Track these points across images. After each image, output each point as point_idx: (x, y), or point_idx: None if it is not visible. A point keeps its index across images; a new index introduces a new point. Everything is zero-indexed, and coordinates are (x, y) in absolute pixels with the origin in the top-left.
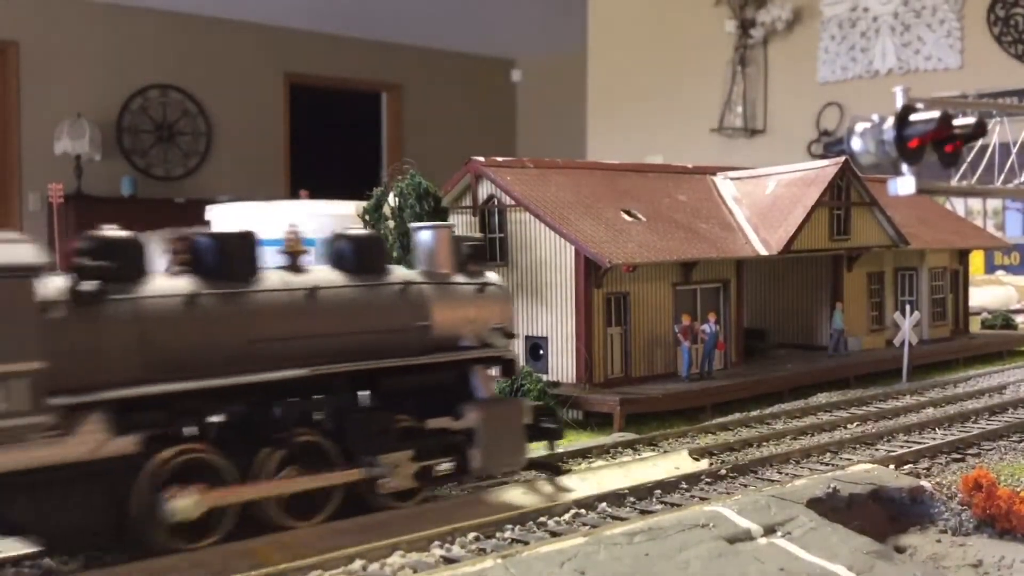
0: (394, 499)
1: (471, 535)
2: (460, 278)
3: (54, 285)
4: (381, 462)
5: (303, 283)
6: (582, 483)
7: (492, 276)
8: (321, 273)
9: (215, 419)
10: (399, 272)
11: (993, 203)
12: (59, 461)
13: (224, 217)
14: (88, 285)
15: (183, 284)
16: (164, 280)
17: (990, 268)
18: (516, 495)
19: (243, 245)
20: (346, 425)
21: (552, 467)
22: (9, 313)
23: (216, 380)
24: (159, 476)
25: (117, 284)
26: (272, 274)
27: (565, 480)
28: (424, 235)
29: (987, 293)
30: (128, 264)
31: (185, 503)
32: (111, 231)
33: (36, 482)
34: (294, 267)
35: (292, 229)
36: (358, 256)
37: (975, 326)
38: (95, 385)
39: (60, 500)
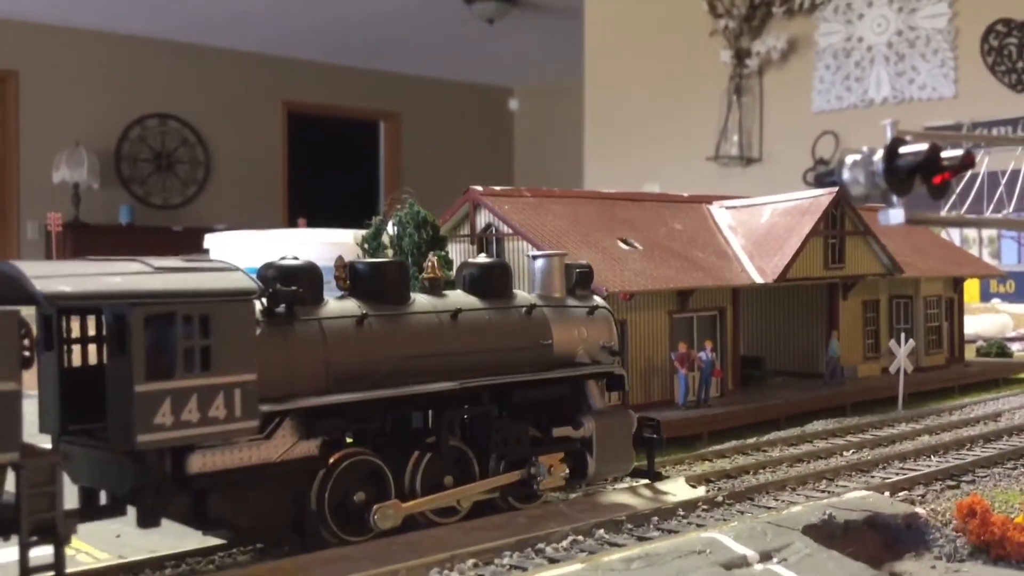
0: (518, 501)
1: (470, 562)
2: (572, 301)
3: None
4: (540, 464)
5: (447, 306)
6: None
7: (599, 299)
8: (459, 297)
9: (374, 426)
10: (522, 296)
11: (989, 231)
12: (258, 462)
13: (222, 245)
14: (282, 307)
15: (352, 306)
16: (336, 303)
17: (986, 296)
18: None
19: (397, 272)
20: (488, 433)
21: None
22: (234, 331)
23: (383, 391)
24: (334, 476)
25: (302, 307)
26: (420, 297)
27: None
28: (540, 262)
29: (983, 321)
30: (310, 289)
31: (388, 514)
32: (294, 260)
33: (235, 481)
34: (435, 291)
35: (433, 257)
36: (487, 281)
37: (970, 354)
38: (290, 395)
39: (252, 497)
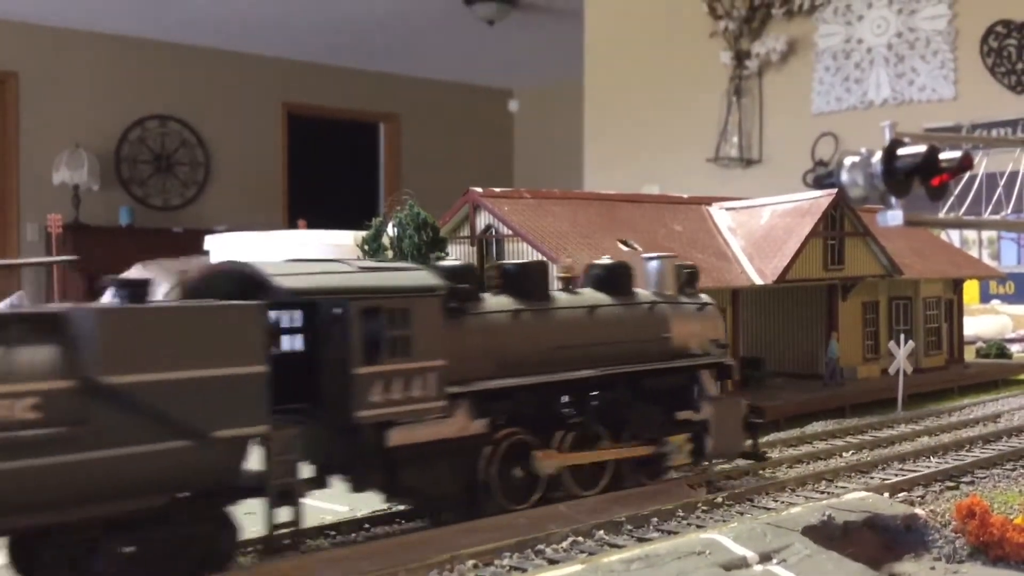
0: (644, 476)
1: (470, 563)
2: (684, 299)
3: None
4: (669, 443)
5: (584, 302)
6: None
7: (706, 297)
8: (592, 294)
9: (528, 408)
10: (642, 293)
11: (988, 232)
12: (441, 437)
13: (223, 247)
14: (456, 303)
15: (507, 302)
16: (493, 299)
17: (985, 297)
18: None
19: (540, 271)
20: (622, 415)
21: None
22: (426, 322)
23: (539, 377)
24: (497, 452)
25: (470, 303)
26: (559, 295)
27: None
28: (653, 263)
29: (982, 322)
30: (476, 287)
31: (549, 462)
32: (457, 261)
33: (423, 453)
34: (570, 289)
35: (568, 259)
36: (612, 280)
37: (970, 355)
38: (466, 379)
39: (435, 469)
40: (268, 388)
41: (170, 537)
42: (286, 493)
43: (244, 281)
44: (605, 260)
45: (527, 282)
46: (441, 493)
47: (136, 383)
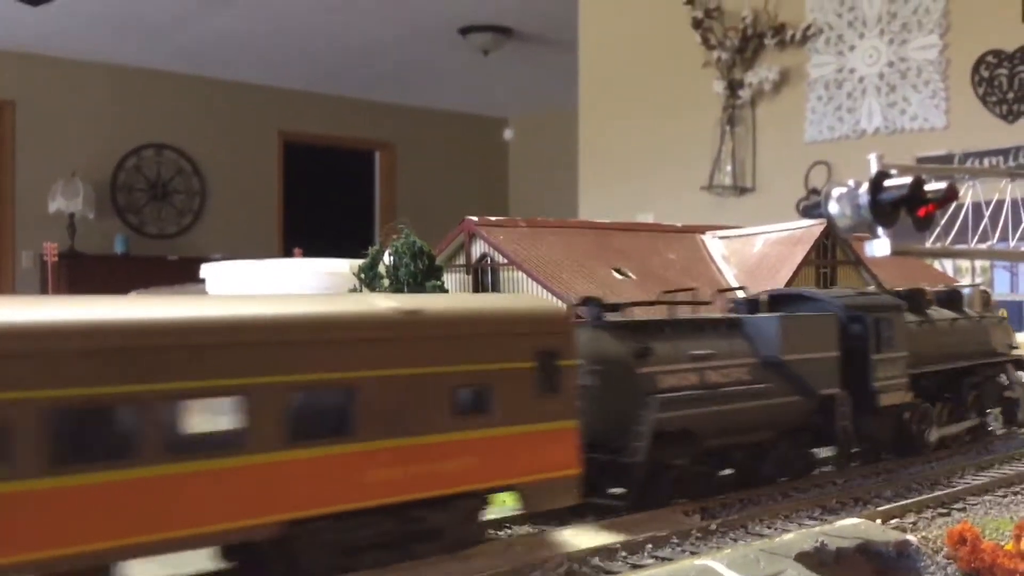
0: (971, 435)
1: None
2: (988, 316)
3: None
4: (992, 413)
5: (947, 316)
6: None
7: (1002, 312)
8: (945, 311)
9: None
10: (968, 311)
11: (981, 260)
12: (895, 403)
13: (219, 275)
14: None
15: (913, 316)
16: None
17: None
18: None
19: (923, 294)
20: (977, 393)
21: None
22: (901, 327)
23: (938, 366)
24: (915, 415)
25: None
26: (932, 311)
27: None
28: (967, 290)
29: None
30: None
31: (935, 434)
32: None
33: (885, 413)
34: (928, 306)
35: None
36: (951, 301)
37: None
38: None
39: (887, 423)
40: (841, 365)
41: (785, 456)
42: (846, 431)
43: (797, 299)
44: (941, 287)
45: (916, 302)
46: (885, 441)
47: (791, 360)
